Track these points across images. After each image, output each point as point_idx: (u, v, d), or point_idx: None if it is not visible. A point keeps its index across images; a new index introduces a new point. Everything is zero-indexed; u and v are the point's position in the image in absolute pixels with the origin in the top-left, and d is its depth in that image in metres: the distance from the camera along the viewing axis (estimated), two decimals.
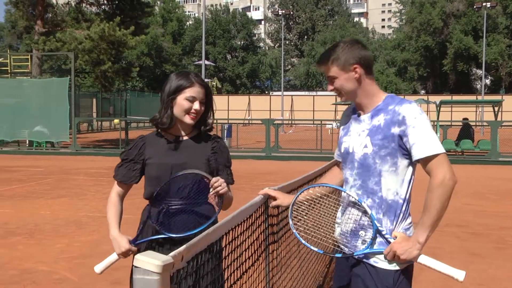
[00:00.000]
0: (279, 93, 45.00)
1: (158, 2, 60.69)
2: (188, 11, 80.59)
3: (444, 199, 2.01)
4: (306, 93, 52.04)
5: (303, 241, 2.24)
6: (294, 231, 2.25)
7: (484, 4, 37.68)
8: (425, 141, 2.04)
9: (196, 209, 2.31)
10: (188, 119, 2.34)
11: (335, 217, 2.33)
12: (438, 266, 2.06)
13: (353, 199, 2.19)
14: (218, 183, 2.18)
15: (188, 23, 66.01)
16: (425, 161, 2.05)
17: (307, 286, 3.66)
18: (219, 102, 45.21)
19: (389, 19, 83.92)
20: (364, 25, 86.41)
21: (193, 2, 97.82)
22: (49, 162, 15.55)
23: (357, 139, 2.22)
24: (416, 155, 2.05)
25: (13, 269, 5.12)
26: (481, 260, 5.57)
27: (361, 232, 2.19)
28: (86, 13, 23.70)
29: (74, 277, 4.92)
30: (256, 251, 2.26)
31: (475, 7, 41.38)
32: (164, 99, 2.37)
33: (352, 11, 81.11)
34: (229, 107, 44.75)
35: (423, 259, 2.07)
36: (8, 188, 10.41)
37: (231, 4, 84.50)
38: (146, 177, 2.39)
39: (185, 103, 2.32)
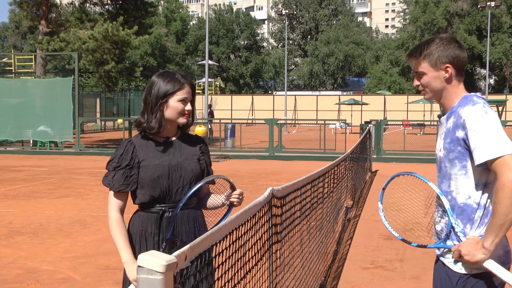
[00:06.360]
0: (283, 93, 44.99)
1: (162, 2, 60.69)
2: (192, 11, 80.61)
3: (507, 203, 1.85)
4: (310, 93, 52.04)
5: (389, 227, 2.32)
6: (381, 212, 2.34)
7: (488, 3, 37.54)
8: (485, 144, 1.91)
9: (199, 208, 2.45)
10: (182, 120, 2.35)
11: (422, 207, 2.39)
12: (505, 275, 1.94)
13: (436, 194, 2.18)
14: (240, 196, 2.32)
15: (191, 23, 66.05)
16: (490, 165, 1.92)
17: (309, 285, 3.66)
18: (222, 102, 45.21)
19: (393, 18, 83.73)
20: (368, 24, 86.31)
21: (197, 2, 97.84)
22: (53, 161, 15.59)
23: (438, 142, 2.19)
24: (477, 159, 1.94)
25: (18, 269, 5.14)
26: None
27: (438, 226, 2.18)
28: (90, 13, 23.70)
29: (78, 276, 4.93)
30: (260, 251, 2.26)
31: (479, 6, 41.27)
32: (150, 102, 2.32)
33: (356, 11, 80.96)
34: (232, 107, 44.72)
35: (490, 265, 1.95)
36: (12, 187, 10.45)
37: (235, 3, 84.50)
38: (140, 181, 2.31)
39: (179, 105, 2.31)
